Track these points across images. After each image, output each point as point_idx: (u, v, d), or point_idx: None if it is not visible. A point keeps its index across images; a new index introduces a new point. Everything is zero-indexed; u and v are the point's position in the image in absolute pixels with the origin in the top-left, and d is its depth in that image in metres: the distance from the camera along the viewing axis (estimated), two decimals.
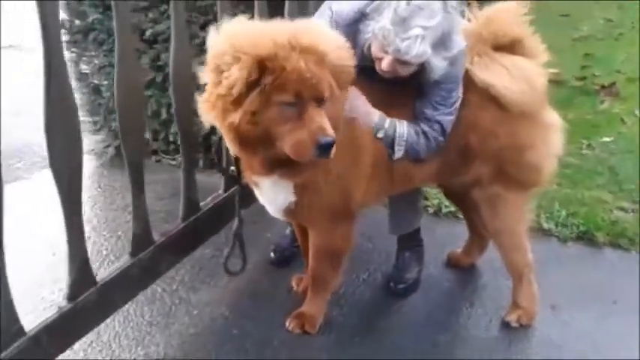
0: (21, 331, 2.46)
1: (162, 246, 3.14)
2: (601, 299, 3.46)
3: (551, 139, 3.06)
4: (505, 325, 3.26)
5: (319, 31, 2.59)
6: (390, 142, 2.82)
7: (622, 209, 4.21)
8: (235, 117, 2.43)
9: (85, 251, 2.73)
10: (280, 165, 2.62)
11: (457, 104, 2.86)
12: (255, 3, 3.45)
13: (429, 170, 3.03)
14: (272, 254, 3.67)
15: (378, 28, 2.63)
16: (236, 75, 2.37)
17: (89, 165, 4.77)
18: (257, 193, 2.96)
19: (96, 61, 4.71)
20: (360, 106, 2.78)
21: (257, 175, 2.80)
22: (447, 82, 2.80)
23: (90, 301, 2.76)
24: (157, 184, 4.28)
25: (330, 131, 2.44)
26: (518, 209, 3.15)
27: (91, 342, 3.10)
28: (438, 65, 2.68)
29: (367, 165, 2.87)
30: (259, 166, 2.68)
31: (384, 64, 2.67)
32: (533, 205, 4.07)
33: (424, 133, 2.83)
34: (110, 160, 4.76)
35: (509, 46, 2.96)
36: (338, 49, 2.57)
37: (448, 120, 2.85)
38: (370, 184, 2.95)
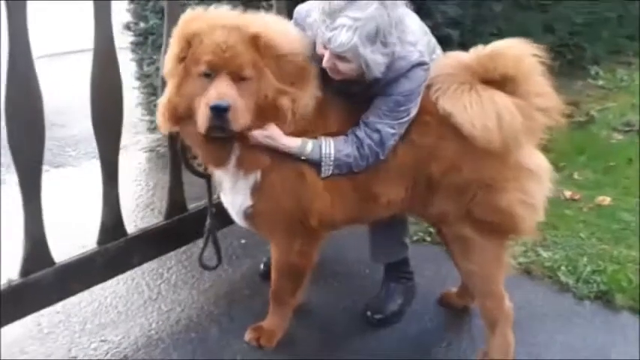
0: None
1: (136, 239, 3.22)
2: None
3: (526, 184, 2.83)
4: None
5: (266, 21, 2.68)
6: (317, 163, 2.75)
7: None
8: (168, 91, 2.64)
9: (42, 230, 2.86)
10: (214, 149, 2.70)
11: (403, 121, 2.74)
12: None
13: (396, 194, 2.90)
14: (262, 266, 3.67)
15: (312, 21, 2.65)
16: (169, 53, 2.67)
17: (131, 159, 5.02)
18: (222, 199, 2.98)
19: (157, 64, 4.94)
20: (274, 139, 2.69)
21: (211, 166, 2.86)
22: (396, 94, 2.70)
23: (44, 280, 2.88)
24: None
25: (227, 97, 2.49)
26: (491, 255, 2.93)
27: (59, 322, 3.24)
28: (376, 60, 2.58)
29: (315, 175, 2.79)
30: (202, 150, 2.76)
31: (324, 60, 2.62)
32: (559, 255, 3.88)
33: (359, 142, 2.72)
34: (157, 157, 4.94)
35: (500, 83, 2.79)
36: (279, 39, 2.63)
37: (389, 132, 2.72)
38: (335, 198, 2.86)
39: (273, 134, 2.67)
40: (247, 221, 2.93)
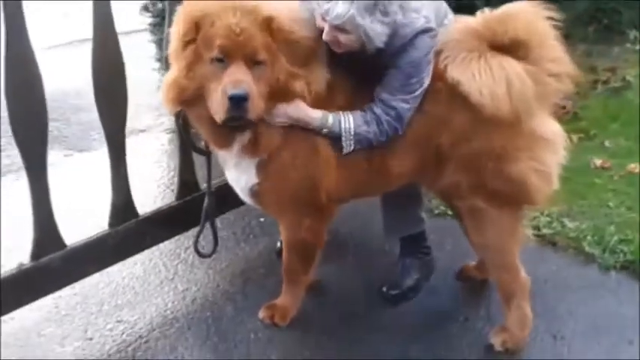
0: None
1: (148, 220, 3.23)
2: (617, 336, 3.06)
3: (540, 153, 2.74)
4: (489, 348, 2.98)
5: (277, 3, 2.60)
6: (337, 138, 2.70)
7: None
8: (175, 72, 2.57)
9: (51, 214, 2.88)
10: (223, 132, 2.65)
11: (418, 93, 2.67)
12: None
13: (407, 165, 2.85)
14: (278, 244, 3.64)
15: None
16: (174, 32, 2.58)
17: (155, 140, 5.07)
18: (226, 174, 2.95)
19: None
20: (300, 110, 2.66)
21: (215, 147, 2.81)
22: (405, 65, 2.64)
23: (55, 263, 2.91)
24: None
25: (245, 85, 2.43)
26: (505, 226, 2.86)
27: (76, 304, 3.28)
28: (376, 30, 2.52)
29: (329, 151, 2.75)
30: (208, 131, 2.71)
31: (324, 33, 2.57)
32: (585, 225, 3.77)
33: (377, 117, 2.67)
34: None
35: (511, 48, 2.68)
36: (291, 19, 2.57)
37: (405, 108, 2.67)
38: (347, 172, 2.81)
39: (298, 104, 2.63)
40: (253, 199, 2.90)
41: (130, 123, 4.82)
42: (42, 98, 2.72)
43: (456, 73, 2.66)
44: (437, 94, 2.73)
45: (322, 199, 2.84)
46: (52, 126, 5.11)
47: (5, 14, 2.53)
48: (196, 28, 2.51)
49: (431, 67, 2.70)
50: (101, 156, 4.63)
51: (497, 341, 2.97)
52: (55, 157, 4.68)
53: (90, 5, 2.87)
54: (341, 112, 2.69)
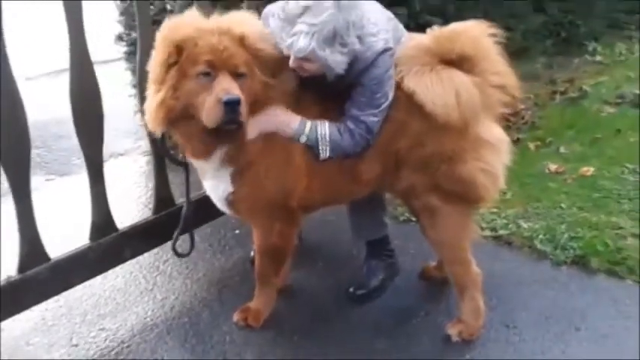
0: None
1: (127, 235, 3.45)
2: (566, 324, 3.30)
3: (484, 154, 3.00)
4: (447, 339, 3.22)
5: (244, 20, 2.87)
6: (314, 144, 2.94)
7: (637, 236, 3.92)
8: (161, 94, 2.76)
9: (35, 229, 3.09)
10: (212, 142, 2.85)
11: (384, 107, 2.93)
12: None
13: (374, 171, 3.09)
14: (252, 253, 3.85)
15: (274, 27, 2.83)
16: (157, 58, 2.77)
17: (133, 163, 5.30)
18: (205, 185, 3.18)
19: None
20: (279, 116, 2.92)
21: (197, 159, 3.00)
22: (369, 84, 2.88)
23: (41, 276, 3.11)
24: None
25: (235, 91, 2.67)
26: (457, 222, 3.11)
27: (62, 315, 3.49)
28: (336, 60, 2.77)
29: (302, 160, 2.98)
30: (195, 144, 2.91)
31: (290, 62, 2.82)
32: (539, 225, 4.02)
33: (350, 130, 2.92)
34: None
35: (458, 63, 2.95)
36: (259, 37, 2.84)
37: (374, 121, 2.92)
38: (319, 180, 3.05)
39: (277, 111, 2.90)
40: (229, 207, 3.11)
41: (110, 147, 5.08)
42: (25, 127, 2.93)
43: (411, 84, 2.92)
44: (396, 102, 2.98)
45: (293, 206, 3.07)
46: (35, 153, 5.38)
47: None
48: (178, 51, 2.74)
49: (393, 82, 2.96)
50: (81, 179, 4.89)
51: (453, 332, 3.20)
52: (38, 182, 4.91)
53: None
54: (317, 120, 2.95)
